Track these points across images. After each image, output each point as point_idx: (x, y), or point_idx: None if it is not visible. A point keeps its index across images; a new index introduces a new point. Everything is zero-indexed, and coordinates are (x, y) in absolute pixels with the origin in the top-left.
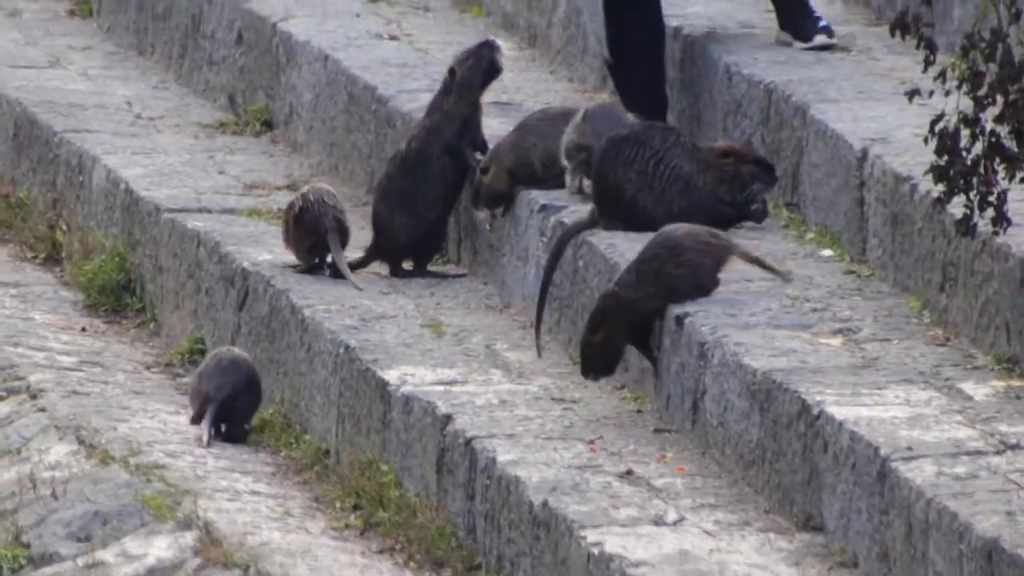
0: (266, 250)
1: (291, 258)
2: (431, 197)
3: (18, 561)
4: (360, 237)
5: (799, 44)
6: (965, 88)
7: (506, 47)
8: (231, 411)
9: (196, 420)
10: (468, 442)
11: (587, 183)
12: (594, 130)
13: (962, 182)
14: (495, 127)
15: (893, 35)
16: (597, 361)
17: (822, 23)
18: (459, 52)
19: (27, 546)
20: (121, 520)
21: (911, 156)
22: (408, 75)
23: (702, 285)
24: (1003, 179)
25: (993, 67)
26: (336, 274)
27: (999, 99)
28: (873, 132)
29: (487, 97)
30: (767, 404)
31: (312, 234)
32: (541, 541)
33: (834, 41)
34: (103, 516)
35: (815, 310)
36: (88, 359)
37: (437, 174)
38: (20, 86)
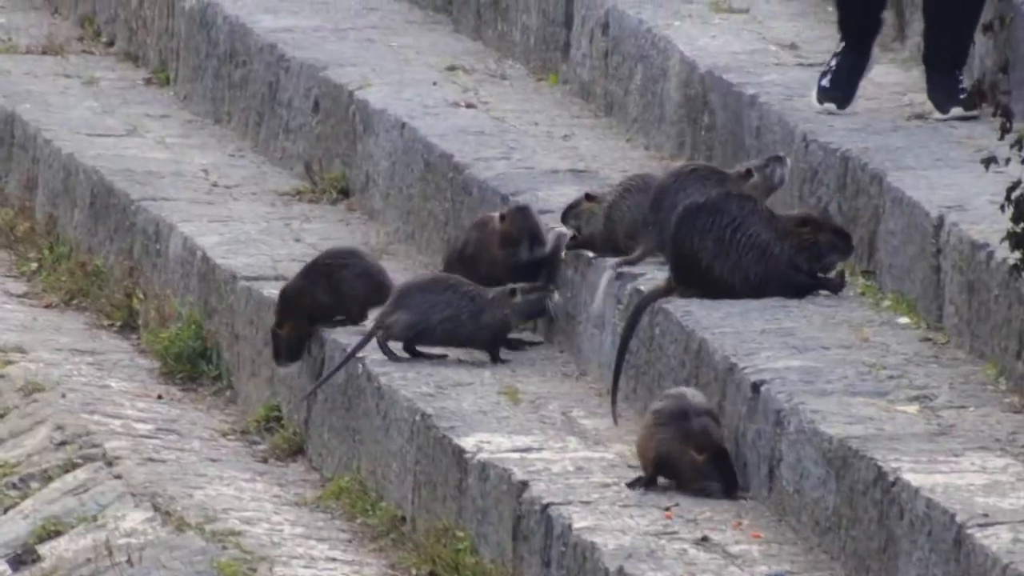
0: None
1: None
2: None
3: None
4: None
5: (937, 115)
6: None
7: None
8: None
9: None
10: (544, 509)
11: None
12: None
13: None
14: (570, 195)
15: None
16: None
17: (963, 95)
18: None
19: None
20: None
21: (988, 224)
22: (485, 143)
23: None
24: None
25: None
26: None
27: None
28: (949, 199)
29: (562, 164)
30: (843, 471)
31: None
32: None
33: (974, 114)
34: None
35: (891, 377)
36: (164, 426)
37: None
38: (97, 155)
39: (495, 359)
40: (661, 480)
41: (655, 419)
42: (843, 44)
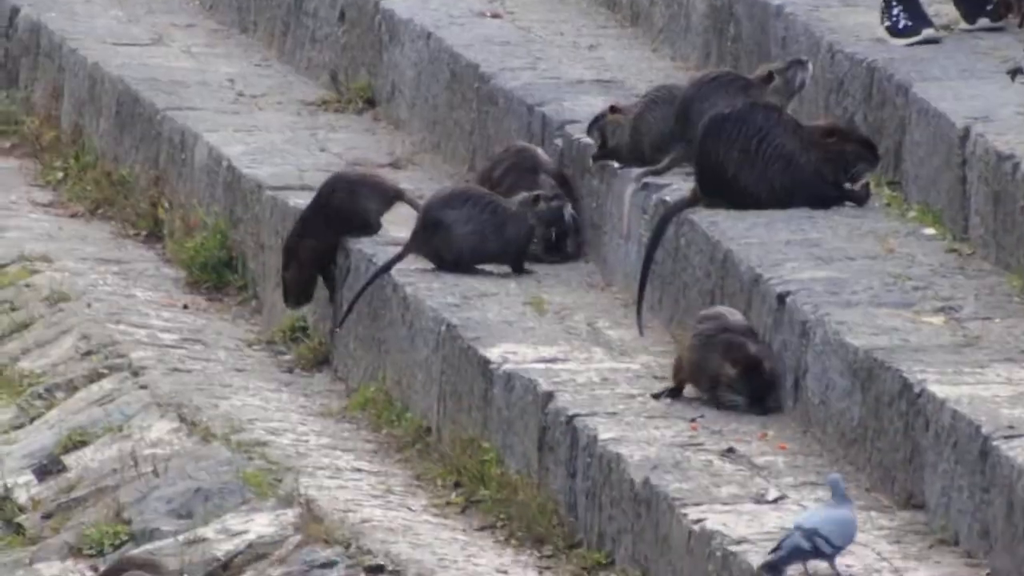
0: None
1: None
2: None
3: (119, 537)
4: None
5: (963, 25)
6: None
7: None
8: None
9: None
10: (570, 420)
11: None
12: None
13: None
14: (596, 105)
15: (996, 13)
16: None
17: (989, 6)
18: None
19: (128, 522)
20: (222, 497)
21: (1014, 135)
22: (511, 53)
23: None
24: None
25: None
26: None
27: None
28: (976, 110)
29: (588, 74)
30: (868, 382)
31: None
32: (642, 518)
33: (1000, 25)
34: (204, 493)
35: (917, 288)
36: (190, 336)
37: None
38: (123, 64)
39: (518, 270)
40: (687, 392)
41: (696, 339)
42: None
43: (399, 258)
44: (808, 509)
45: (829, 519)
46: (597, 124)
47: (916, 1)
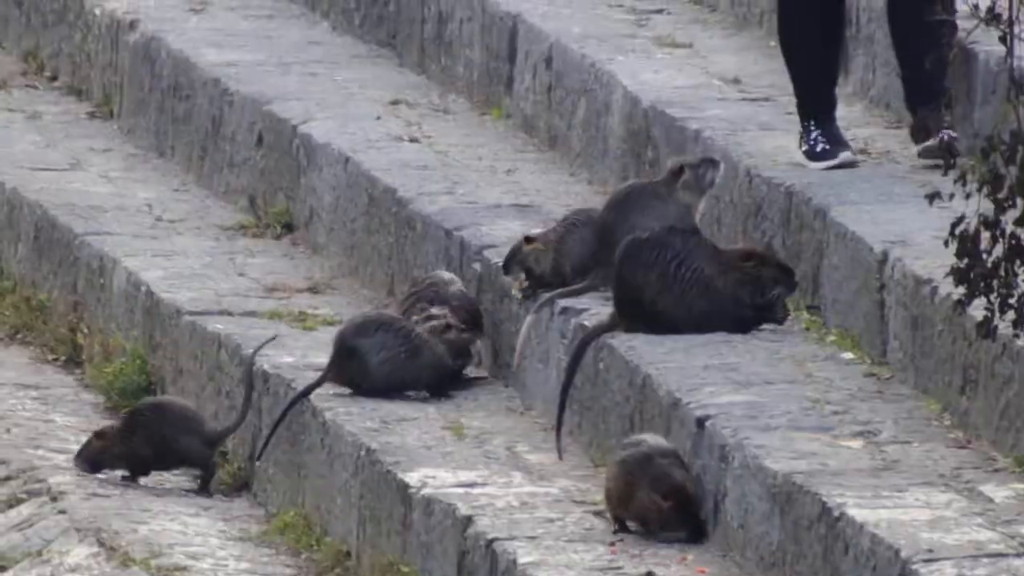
0: (286, 352)
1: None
2: None
3: None
4: None
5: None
6: (985, 191)
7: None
8: None
9: None
10: (489, 544)
11: None
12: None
13: (983, 284)
14: (514, 229)
15: (914, 138)
16: None
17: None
18: None
19: None
20: None
21: (931, 259)
22: (428, 177)
23: None
24: (1023, 281)
25: (1013, 170)
26: None
27: (1019, 202)
28: (893, 234)
29: (506, 198)
30: (788, 506)
31: None
32: None
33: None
34: None
35: (835, 412)
36: None
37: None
38: (40, 188)
39: (437, 395)
40: (607, 515)
41: (622, 468)
42: (812, 121)
43: (317, 384)
44: None
45: None
46: (516, 259)
47: (834, 125)
